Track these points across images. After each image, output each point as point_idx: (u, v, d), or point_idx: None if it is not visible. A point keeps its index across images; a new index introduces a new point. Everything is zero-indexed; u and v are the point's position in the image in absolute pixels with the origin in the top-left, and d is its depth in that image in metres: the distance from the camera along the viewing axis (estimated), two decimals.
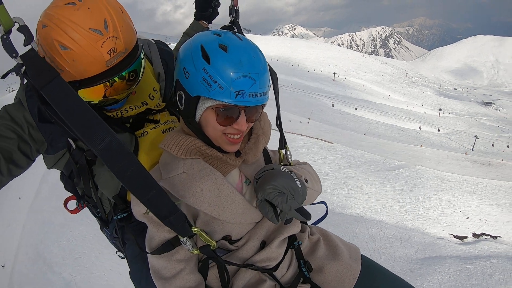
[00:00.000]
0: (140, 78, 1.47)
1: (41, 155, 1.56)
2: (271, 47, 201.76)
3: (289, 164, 1.50)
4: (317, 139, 35.29)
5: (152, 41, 1.82)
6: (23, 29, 0.95)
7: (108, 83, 1.32)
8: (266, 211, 1.17)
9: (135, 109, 1.62)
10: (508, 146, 62.66)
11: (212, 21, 2.15)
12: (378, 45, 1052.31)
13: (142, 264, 1.51)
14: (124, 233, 1.68)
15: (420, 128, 65.50)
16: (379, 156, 36.31)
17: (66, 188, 1.82)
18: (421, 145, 43.30)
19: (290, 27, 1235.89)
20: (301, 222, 1.53)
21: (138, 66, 1.41)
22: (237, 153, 1.30)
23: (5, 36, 0.93)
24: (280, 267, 1.35)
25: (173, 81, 1.67)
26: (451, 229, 27.09)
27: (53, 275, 4.69)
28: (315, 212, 1.54)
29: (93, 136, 0.95)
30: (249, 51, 1.12)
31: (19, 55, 0.96)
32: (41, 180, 10.98)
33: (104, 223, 1.80)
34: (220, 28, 1.44)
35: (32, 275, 5.93)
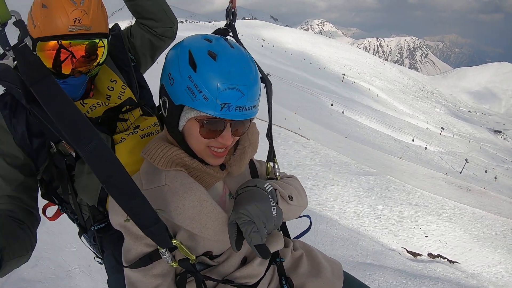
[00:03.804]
0: (98, 61, 1.54)
1: None
2: (291, 39, 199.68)
3: (276, 178, 1.48)
4: (295, 133, 35.73)
5: None
6: (19, 24, 0.97)
7: (64, 49, 1.43)
8: (231, 234, 1.15)
9: (102, 105, 1.63)
10: (495, 178, 61.73)
11: None
12: (405, 55, 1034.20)
13: (120, 275, 1.47)
14: (103, 242, 1.69)
15: (413, 140, 65.10)
16: (352, 160, 36.61)
17: (43, 196, 1.76)
18: (400, 157, 43.41)
19: (319, 22, 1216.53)
20: (283, 235, 1.56)
21: (94, 46, 1.49)
22: (222, 166, 1.28)
23: (0, 28, 0.94)
24: (261, 284, 1.33)
25: (133, 75, 1.83)
26: (405, 243, 27.19)
27: None
28: (297, 223, 1.61)
29: (80, 137, 0.95)
30: (240, 61, 1.09)
31: (11, 48, 0.98)
32: None
33: (83, 230, 1.77)
34: (215, 31, 1.50)
35: None
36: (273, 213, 1.15)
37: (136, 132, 1.61)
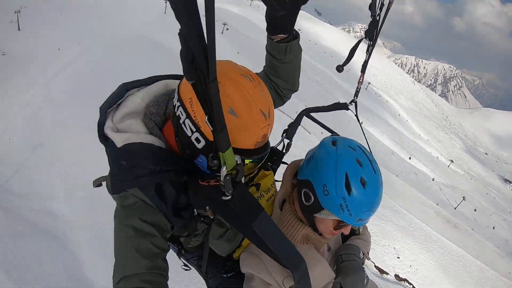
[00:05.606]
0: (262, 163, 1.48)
1: None
2: (329, 37, 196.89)
3: (358, 233, 1.89)
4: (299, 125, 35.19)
5: None
6: (239, 167, 0.95)
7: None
8: None
9: (270, 192, 1.78)
10: (493, 228, 60.52)
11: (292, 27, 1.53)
12: (439, 81, 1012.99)
13: None
14: (208, 266, 1.89)
15: (409, 158, 64.17)
16: None
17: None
18: (396, 175, 42.92)
19: (362, 27, 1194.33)
20: None
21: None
22: None
23: (228, 177, 0.94)
24: None
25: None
26: (375, 258, 26.96)
27: None
28: None
29: (295, 264, 1.21)
30: (379, 188, 1.41)
31: (231, 191, 0.97)
32: None
33: (182, 251, 1.93)
34: (337, 104, 2.07)
35: None
36: (365, 283, 1.62)
37: (262, 196, 1.72)
